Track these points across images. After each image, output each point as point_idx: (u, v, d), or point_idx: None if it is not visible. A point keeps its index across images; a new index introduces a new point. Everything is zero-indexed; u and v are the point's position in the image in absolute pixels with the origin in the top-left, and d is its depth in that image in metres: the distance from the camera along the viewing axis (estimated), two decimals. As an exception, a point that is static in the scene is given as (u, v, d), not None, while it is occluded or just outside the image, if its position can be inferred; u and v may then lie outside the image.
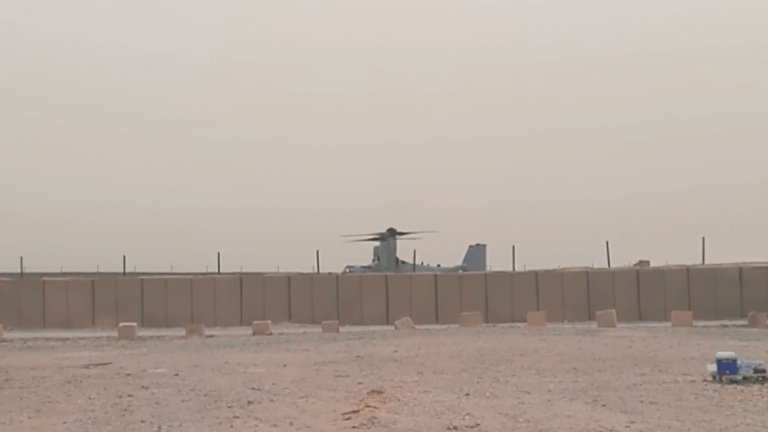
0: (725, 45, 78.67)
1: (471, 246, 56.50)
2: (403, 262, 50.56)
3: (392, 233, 53.29)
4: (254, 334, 28.80)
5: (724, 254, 38.18)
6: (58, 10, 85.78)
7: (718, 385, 12.67)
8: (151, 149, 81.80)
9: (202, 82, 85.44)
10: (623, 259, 39.73)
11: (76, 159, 79.96)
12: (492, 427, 9.74)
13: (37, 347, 24.62)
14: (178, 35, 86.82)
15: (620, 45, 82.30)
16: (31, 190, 73.88)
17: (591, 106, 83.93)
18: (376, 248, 53.92)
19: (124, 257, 38.71)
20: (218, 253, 39.57)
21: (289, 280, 36.11)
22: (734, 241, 55.89)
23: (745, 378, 12.93)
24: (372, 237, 54.13)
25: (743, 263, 35.89)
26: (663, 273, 35.66)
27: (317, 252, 39.55)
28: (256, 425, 10.14)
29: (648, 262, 39.33)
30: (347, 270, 48.63)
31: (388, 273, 41.89)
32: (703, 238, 37.98)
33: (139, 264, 43.64)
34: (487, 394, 12.29)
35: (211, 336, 28.45)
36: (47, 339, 28.19)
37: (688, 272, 35.17)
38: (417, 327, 29.77)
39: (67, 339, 28.09)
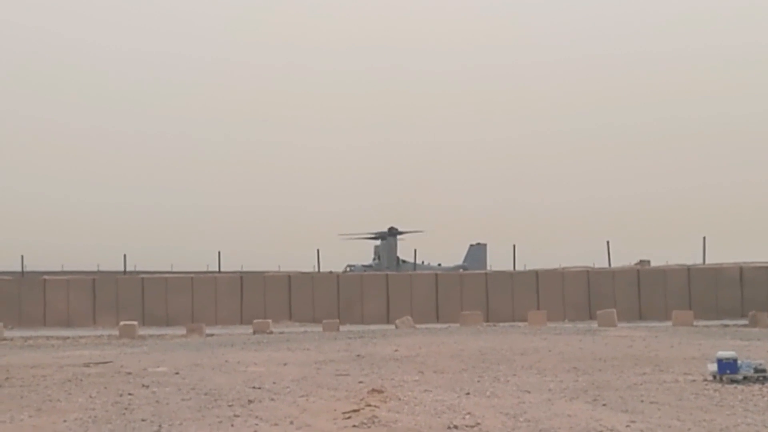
0: (725, 45, 78.66)
1: (472, 245, 56.53)
2: (403, 261, 50.58)
3: (393, 232, 53.31)
4: (255, 333, 28.80)
5: (724, 254, 38.22)
6: (58, 10, 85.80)
7: (719, 385, 12.67)
8: (151, 149, 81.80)
9: (202, 82, 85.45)
10: (624, 258, 39.76)
11: (76, 159, 79.96)
12: (492, 426, 9.73)
13: (38, 346, 24.64)
14: (178, 35, 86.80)
15: (620, 45, 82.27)
16: (31, 189, 73.88)
17: (591, 106, 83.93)
18: (376, 247, 53.95)
19: (125, 256, 38.79)
20: (219, 252, 39.64)
21: (289, 279, 36.11)
22: (735, 241, 55.89)
23: (745, 378, 12.93)
24: (372, 236, 54.15)
25: (744, 263, 35.87)
26: (664, 272, 35.65)
27: (318, 251, 39.59)
28: (256, 424, 10.14)
29: (649, 262, 39.33)
30: (348, 269, 48.64)
31: (388, 272, 41.90)
32: (704, 238, 38.03)
33: (140, 263, 43.66)
34: (488, 393, 12.29)
35: (212, 335, 28.45)
36: (48, 337, 28.21)
37: (688, 272, 35.16)
38: (417, 326, 29.78)
39: (68, 337, 28.11)
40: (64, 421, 10.64)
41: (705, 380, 13.22)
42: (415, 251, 44.11)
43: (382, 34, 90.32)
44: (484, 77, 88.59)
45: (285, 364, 16.72)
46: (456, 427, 9.71)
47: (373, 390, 12.38)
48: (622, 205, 71.50)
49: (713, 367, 13.28)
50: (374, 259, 53.42)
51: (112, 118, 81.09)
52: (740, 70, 79.17)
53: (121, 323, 29.66)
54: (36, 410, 11.48)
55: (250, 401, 11.81)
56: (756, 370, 13.07)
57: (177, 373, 15.37)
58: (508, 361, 16.45)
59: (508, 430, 9.53)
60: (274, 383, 13.68)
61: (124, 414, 11.05)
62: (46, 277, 36.49)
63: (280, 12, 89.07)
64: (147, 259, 45.79)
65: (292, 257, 68.97)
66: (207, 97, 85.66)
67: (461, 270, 47.72)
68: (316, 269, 39.29)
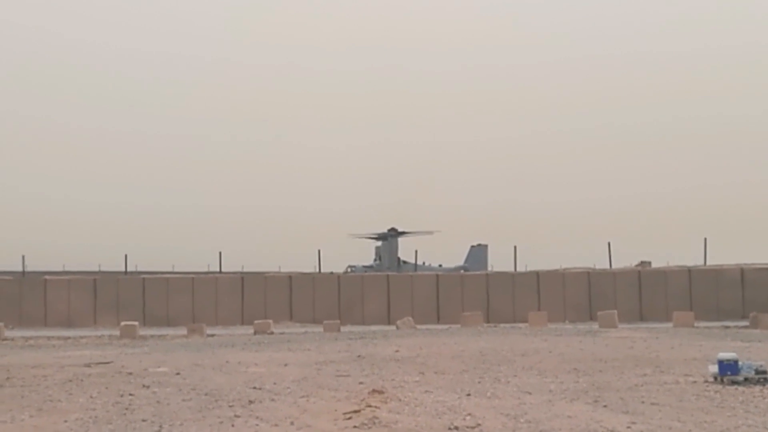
0: (725, 45, 78.60)
1: (472, 246, 56.53)
2: (404, 262, 50.59)
3: (394, 233, 53.32)
4: (255, 333, 28.82)
5: (725, 255, 38.21)
6: (58, 10, 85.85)
7: (720, 386, 12.66)
8: (151, 149, 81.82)
9: (202, 82, 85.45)
10: (625, 259, 39.76)
11: (76, 159, 79.96)
12: (493, 427, 9.73)
13: (39, 346, 24.65)
14: (178, 35, 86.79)
15: (620, 45, 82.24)
16: (32, 189, 73.91)
17: (591, 106, 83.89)
18: (377, 248, 53.97)
19: (126, 256, 38.80)
20: (220, 253, 39.69)
21: (290, 279, 36.13)
22: (736, 242, 55.90)
23: (746, 379, 12.92)
24: (374, 236, 54.18)
25: (745, 264, 35.86)
26: (664, 274, 35.64)
27: (319, 251, 39.63)
28: (257, 425, 10.14)
29: (649, 263, 39.34)
30: (349, 270, 48.65)
31: (389, 273, 41.91)
32: (705, 239, 38.01)
33: (141, 263, 43.69)
34: (489, 394, 12.29)
35: (213, 335, 28.47)
36: (49, 337, 28.23)
37: (689, 273, 35.15)
38: (418, 327, 29.78)
39: (69, 338, 28.13)
40: (65, 421, 10.64)
41: (706, 381, 13.21)
42: (416, 252, 44.16)
43: (382, 34, 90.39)
44: (484, 77, 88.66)
45: (286, 365, 16.72)
46: (457, 428, 9.71)
47: (374, 391, 12.38)
48: (622, 206, 71.50)
49: (714, 368, 13.27)
50: (375, 259, 53.43)
51: (112, 118, 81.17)
52: (740, 70, 79.28)
53: (122, 323, 29.69)
54: (37, 410, 11.49)
55: (250, 402, 11.81)
56: (757, 372, 13.06)
57: (178, 374, 15.37)
58: (508, 362, 16.45)
59: (509, 431, 9.53)
60: (274, 384, 13.68)
61: (124, 414, 11.05)
62: (47, 277, 36.51)
63: (280, 12, 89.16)
64: (148, 260, 45.84)
65: (293, 257, 69.07)
66: (207, 97, 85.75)
67: (462, 271, 47.72)
68: (317, 270, 39.32)
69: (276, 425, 10.10)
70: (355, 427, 9.83)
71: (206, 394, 12.61)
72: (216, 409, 11.31)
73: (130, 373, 15.57)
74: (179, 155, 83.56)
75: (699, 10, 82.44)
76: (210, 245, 65.14)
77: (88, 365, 17.30)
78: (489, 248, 55.84)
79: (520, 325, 30.36)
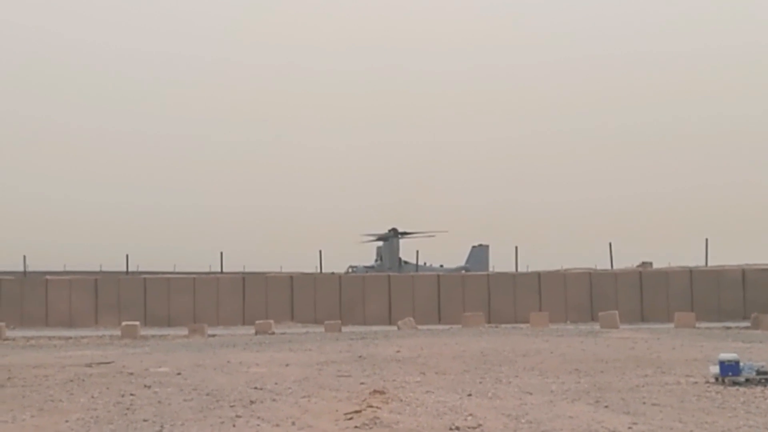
0: (725, 45, 78.59)
1: (474, 246, 56.52)
2: (405, 263, 50.57)
3: (395, 233, 53.32)
4: (257, 333, 28.82)
5: (727, 256, 38.21)
6: (58, 10, 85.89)
7: (721, 387, 12.65)
8: (151, 149, 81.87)
9: (202, 82, 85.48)
10: (626, 260, 39.76)
11: (76, 159, 80.00)
12: (494, 427, 9.73)
13: (40, 346, 24.66)
14: (178, 35, 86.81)
15: (620, 45, 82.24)
16: (32, 189, 73.97)
17: (591, 106, 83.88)
18: (379, 248, 53.97)
19: (127, 256, 38.80)
20: (221, 253, 39.70)
21: (291, 279, 36.14)
22: (737, 243, 55.84)
23: (747, 380, 12.92)
24: (375, 237, 54.19)
25: (746, 265, 35.85)
26: (666, 274, 35.63)
27: (320, 252, 39.63)
28: (258, 425, 10.15)
29: (651, 264, 39.35)
30: (350, 270, 48.65)
31: (390, 273, 41.91)
32: (706, 240, 37.98)
33: (142, 263, 43.72)
34: (490, 394, 12.28)
35: (214, 335, 28.48)
36: (50, 337, 28.25)
37: (691, 274, 35.14)
38: (419, 327, 29.77)
39: (70, 338, 28.14)
40: (66, 421, 10.65)
41: (707, 382, 13.21)
42: (417, 252, 44.16)
43: (382, 34, 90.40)
44: (484, 77, 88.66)
45: (287, 365, 16.72)
46: (458, 428, 9.70)
47: (375, 391, 12.38)
48: (623, 206, 71.47)
49: (715, 369, 13.27)
50: (376, 260, 53.43)
51: (112, 118, 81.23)
52: (740, 70, 79.25)
53: (123, 323, 29.70)
54: (38, 410, 11.50)
55: (251, 402, 11.81)
56: (758, 373, 13.06)
57: (179, 374, 15.37)
58: (510, 363, 16.45)
59: (510, 431, 9.53)
60: (275, 384, 13.69)
61: (125, 414, 11.05)
62: (48, 277, 36.53)
63: (280, 12, 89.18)
64: (149, 260, 45.86)
65: (295, 258, 69.01)
66: (207, 97, 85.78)
67: (463, 271, 47.72)
68: (318, 270, 39.32)
69: (277, 425, 10.11)
70: (356, 427, 9.83)
71: (207, 394, 12.62)
72: (217, 409, 11.31)
73: (132, 373, 15.57)
74: (179, 155, 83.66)
75: (699, 10, 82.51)
76: (211, 245, 65.15)
77: (89, 365, 17.31)
78: (490, 249, 55.87)
79: (522, 325, 30.35)
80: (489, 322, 31.87)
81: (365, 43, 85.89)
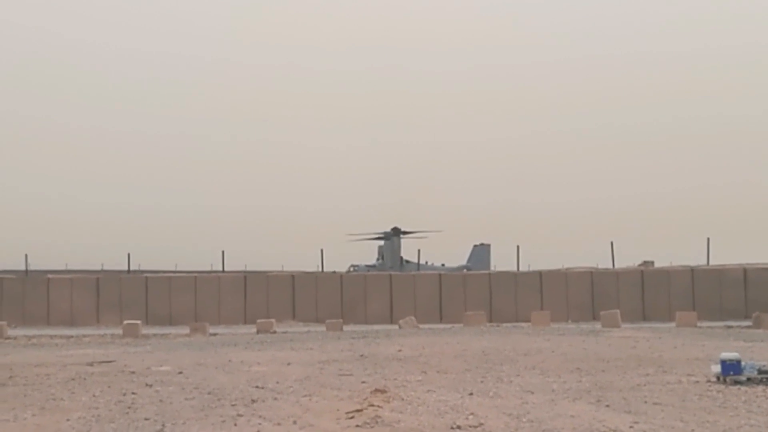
0: (725, 45, 78.53)
1: (475, 246, 56.54)
2: (407, 262, 50.60)
3: (396, 232, 53.34)
4: (258, 332, 28.83)
5: (728, 255, 38.21)
6: (58, 10, 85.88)
7: (722, 386, 12.65)
8: (151, 149, 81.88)
9: (202, 82, 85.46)
10: (627, 259, 39.77)
11: (76, 159, 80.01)
12: (495, 426, 9.73)
13: (42, 344, 24.69)
14: (178, 35, 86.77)
15: (620, 45, 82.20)
16: (32, 189, 74.00)
17: (591, 106, 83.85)
18: (380, 247, 53.99)
19: (129, 255, 38.85)
20: (222, 252, 39.73)
21: (293, 278, 36.16)
22: (739, 242, 55.79)
23: (749, 379, 12.91)
24: (376, 236, 54.19)
25: (748, 264, 35.83)
26: (667, 273, 35.62)
27: (321, 251, 39.65)
28: (259, 423, 10.15)
29: (652, 263, 39.33)
30: (351, 269, 48.68)
31: (392, 272, 41.93)
32: (708, 239, 37.98)
33: (144, 262, 43.76)
34: (491, 393, 12.28)
35: (215, 334, 28.49)
36: (52, 336, 28.27)
37: (692, 273, 35.13)
38: (421, 326, 29.77)
39: (72, 336, 28.16)
40: (68, 419, 10.65)
41: (708, 381, 13.20)
42: (419, 251, 44.19)
43: (382, 34, 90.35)
44: (484, 77, 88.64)
45: (288, 364, 16.73)
46: (459, 427, 9.70)
47: (376, 390, 12.39)
48: (624, 206, 71.45)
49: (717, 368, 13.26)
50: (378, 259, 53.45)
51: (112, 118, 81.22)
52: (740, 70, 79.21)
53: (125, 322, 29.72)
54: (39, 409, 11.51)
55: (253, 401, 11.81)
56: (760, 372, 13.05)
57: (180, 373, 15.38)
58: (511, 362, 16.45)
59: (511, 431, 9.52)
60: (277, 383, 13.69)
61: (127, 413, 11.06)
62: (49, 276, 36.58)
63: (280, 12, 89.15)
64: (151, 259, 45.88)
65: (296, 257, 69.06)
66: (207, 97, 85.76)
67: (465, 270, 47.72)
68: (320, 269, 39.34)
69: (279, 424, 10.11)
70: (357, 426, 9.83)
71: (209, 393, 12.62)
72: (219, 408, 11.31)
73: (133, 372, 15.59)
74: (179, 155, 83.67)
75: (699, 10, 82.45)
76: (212, 245, 65.28)
77: (90, 364, 17.32)
78: (491, 248, 55.88)
79: (523, 324, 30.35)
80: (490, 321, 31.88)
81: (365, 43, 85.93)
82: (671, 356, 17.12)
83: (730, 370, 13.00)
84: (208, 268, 44.13)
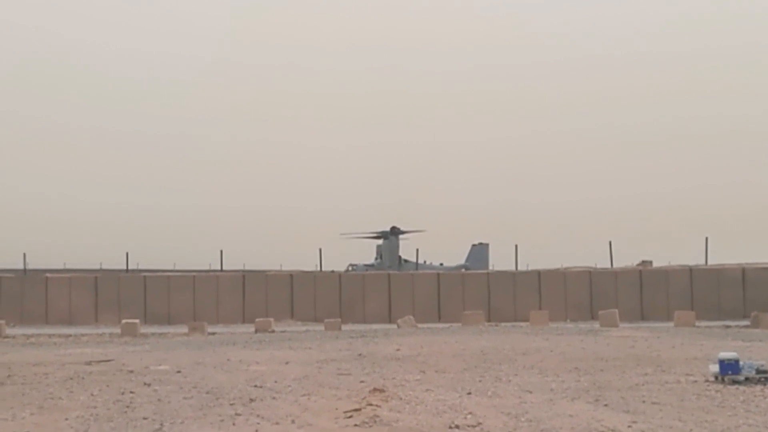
0: (725, 45, 78.64)
1: (474, 245, 56.52)
2: (405, 261, 50.59)
3: (395, 232, 53.33)
4: (256, 331, 28.82)
5: (727, 254, 38.23)
6: (58, 10, 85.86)
7: (721, 386, 12.66)
8: (151, 149, 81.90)
9: (202, 82, 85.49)
10: (626, 259, 39.77)
11: (76, 159, 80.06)
12: (494, 426, 9.73)
13: (40, 343, 24.67)
14: (178, 35, 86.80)
15: (620, 45, 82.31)
16: (33, 189, 74.02)
17: (591, 106, 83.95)
18: (378, 247, 53.97)
19: (127, 254, 38.83)
20: (221, 251, 39.76)
21: (291, 278, 36.15)
22: (737, 242, 55.90)
23: (747, 379, 12.92)
24: (374, 235, 54.18)
25: (746, 264, 35.85)
26: (666, 273, 35.64)
27: (320, 250, 39.67)
28: (258, 423, 10.15)
29: (651, 262, 39.33)
30: (350, 268, 48.66)
31: (390, 271, 41.92)
32: (707, 239, 37.99)
33: (142, 261, 43.78)
34: (489, 393, 12.29)
35: (214, 333, 28.49)
36: (50, 335, 28.26)
37: (691, 272, 35.14)
38: (419, 326, 29.78)
39: (70, 335, 28.15)
40: (66, 419, 10.65)
41: (707, 381, 13.21)
42: (417, 251, 44.19)
43: (382, 34, 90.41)
44: (484, 77, 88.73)
45: (287, 363, 16.73)
46: (457, 426, 9.71)
47: (375, 389, 12.39)
48: (623, 206, 71.53)
49: (715, 367, 13.27)
50: (376, 258, 53.43)
51: (112, 118, 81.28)
52: (740, 70, 79.32)
53: (123, 321, 29.71)
54: (38, 408, 11.50)
55: (251, 400, 11.81)
56: (758, 371, 13.06)
57: (179, 372, 15.38)
58: (509, 361, 16.45)
59: (510, 430, 9.53)
60: (275, 382, 13.69)
61: (125, 412, 11.06)
62: (48, 274, 36.53)
63: (280, 12, 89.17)
64: (149, 258, 45.92)
65: (295, 256, 69.08)
66: (207, 97, 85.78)
67: (463, 270, 47.71)
68: (318, 268, 39.33)
69: (277, 423, 10.11)
70: (356, 425, 9.83)
71: (207, 392, 12.62)
72: (217, 407, 11.31)
73: (131, 371, 15.58)
74: (179, 155, 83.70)
75: (699, 10, 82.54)
76: (211, 244, 65.40)
77: (89, 363, 17.30)
78: (490, 247, 55.87)
79: (522, 323, 30.35)
80: (489, 320, 31.88)
81: (365, 43, 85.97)
82: (669, 356, 17.13)
83: (729, 369, 13.00)
84: (207, 268, 44.13)
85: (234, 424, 10.11)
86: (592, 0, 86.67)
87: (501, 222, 70.06)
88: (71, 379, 14.60)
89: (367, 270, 47.37)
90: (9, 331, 29.69)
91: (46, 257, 47.24)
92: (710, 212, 66.58)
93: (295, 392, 12.54)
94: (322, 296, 34.97)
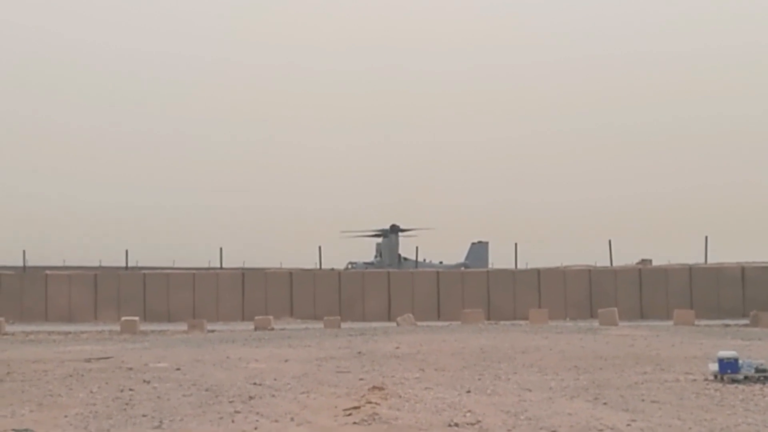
0: (725, 45, 78.65)
1: (473, 243, 56.59)
2: (405, 259, 50.63)
3: (394, 230, 53.35)
4: (256, 329, 28.82)
5: (726, 253, 38.22)
6: (58, 10, 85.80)
7: (720, 385, 12.66)
8: (151, 149, 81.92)
9: (202, 82, 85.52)
10: (626, 257, 39.75)
11: (76, 158, 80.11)
12: (493, 424, 9.73)
13: (39, 341, 24.68)
14: (178, 35, 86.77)
15: (620, 45, 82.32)
16: (32, 189, 74.02)
17: (591, 106, 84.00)
18: (378, 245, 54.03)
19: (127, 252, 38.84)
20: (221, 249, 39.75)
21: (291, 275, 36.15)
22: (737, 241, 55.88)
23: (746, 377, 12.92)
24: (374, 233, 54.21)
25: (746, 262, 35.86)
26: (665, 271, 35.64)
27: (319, 248, 39.66)
28: (257, 420, 10.15)
29: (650, 261, 39.34)
30: (349, 266, 48.67)
31: (390, 269, 41.93)
32: (706, 237, 37.96)
33: (142, 258, 43.80)
34: (489, 391, 12.29)
35: (213, 331, 28.48)
36: (49, 332, 28.25)
37: (690, 271, 35.14)
38: (419, 324, 29.78)
39: (69, 332, 28.15)
40: (65, 416, 10.65)
41: (706, 380, 13.21)
42: (417, 249, 44.20)
43: (382, 34, 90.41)
44: (484, 77, 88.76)
45: (286, 361, 16.73)
46: (456, 424, 9.71)
47: (374, 387, 12.39)
48: (623, 205, 71.59)
49: (714, 366, 13.27)
50: (376, 256, 53.48)
51: (112, 118, 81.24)
52: (740, 70, 79.35)
53: (123, 319, 29.70)
54: (37, 405, 11.50)
55: (251, 397, 11.81)
56: (757, 370, 13.06)
57: (178, 369, 15.37)
58: (509, 360, 16.45)
59: (509, 428, 9.53)
60: (275, 380, 13.69)
61: (125, 409, 11.06)
62: (47, 272, 36.52)
63: (280, 12, 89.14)
64: (149, 256, 45.94)
65: (294, 254, 69.19)
66: (207, 97, 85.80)
67: (463, 268, 47.73)
68: (318, 266, 39.34)
69: (276, 421, 10.11)
70: (355, 423, 9.83)
71: (206, 390, 12.62)
72: (216, 404, 11.31)
73: (131, 369, 15.57)
74: (179, 155, 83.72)
75: (699, 10, 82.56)
76: (210, 242, 65.32)
77: (88, 360, 17.31)
78: (490, 245, 55.91)
79: (521, 322, 30.36)
80: (488, 318, 31.88)
81: (365, 43, 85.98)
82: (669, 354, 17.13)
83: (728, 368, 13.00)
84: (206, 265, 44.14)
85: (233, 422, 10.11)
86: (592, 0, 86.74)
87: (501, 221, 70.15)
88: (70, 376, 14.60)
89: (366, 268, 47.39)
90: (8, 328, 29.67)
91: (45, 254, 47.36)
92: (710, 212, 66.61)
93: (295, 390, 12.54)
94: (322, 294, 34.97)
